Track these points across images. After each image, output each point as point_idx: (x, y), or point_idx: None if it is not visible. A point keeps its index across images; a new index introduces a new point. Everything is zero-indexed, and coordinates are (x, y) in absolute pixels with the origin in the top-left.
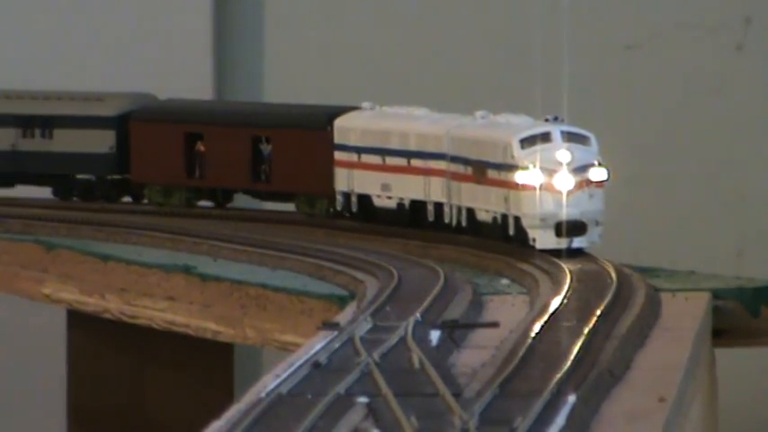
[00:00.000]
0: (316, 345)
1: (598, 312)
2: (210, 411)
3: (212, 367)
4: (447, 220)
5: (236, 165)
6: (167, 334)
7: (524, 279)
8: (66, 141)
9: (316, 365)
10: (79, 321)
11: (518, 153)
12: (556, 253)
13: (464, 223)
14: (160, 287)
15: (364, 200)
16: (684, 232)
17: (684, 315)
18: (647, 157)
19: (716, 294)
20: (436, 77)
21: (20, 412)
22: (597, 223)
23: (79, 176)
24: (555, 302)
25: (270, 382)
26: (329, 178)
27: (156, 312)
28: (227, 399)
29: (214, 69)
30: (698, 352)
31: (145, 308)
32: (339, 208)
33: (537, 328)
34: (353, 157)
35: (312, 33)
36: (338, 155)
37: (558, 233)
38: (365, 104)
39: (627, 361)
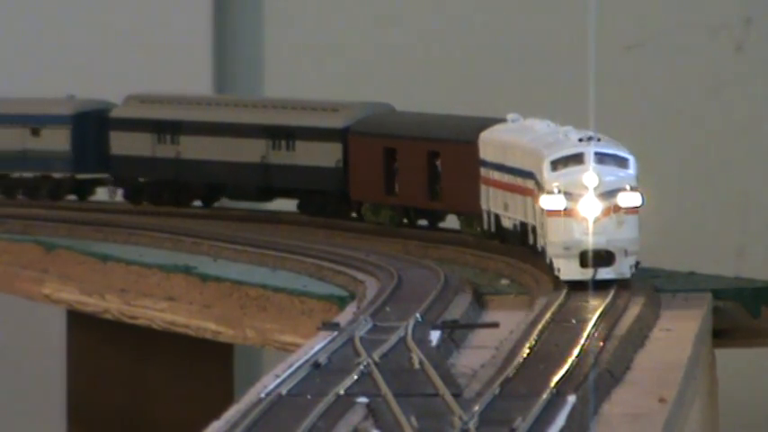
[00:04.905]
0: (316, 345)
1: (598, 313)
2: (210, 411)
3: (212, 367)
4: (540, 244)
5: (417, 182)
6: (167, 334)
7: (524, 279)
8: (305, 154)
9: (316, 366)
10: (79, 321)
11: (548, 175)
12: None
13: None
14: (160, 287)
15: (497, 219)
16: (684, 232)
17: (684, 315)
18: (647, 158)
19: (716, 295)
20: (439, 77)
21: (20, 412)
22: (627, 253)
23: (323, 190)
24: (555, 303)
25: (270, 383)
26: (478, 196)
27: (156, 312)
28: (227, 399)
29: (214, 69)
30: (698, 352)
31: (145, 308)
32: (485, 227)
33: (537, 328)
34: (489, 173)
35: (312, 32)
36: (482, 171)
37: (584, 263)
38: (510, 116)
39: (627, 361)
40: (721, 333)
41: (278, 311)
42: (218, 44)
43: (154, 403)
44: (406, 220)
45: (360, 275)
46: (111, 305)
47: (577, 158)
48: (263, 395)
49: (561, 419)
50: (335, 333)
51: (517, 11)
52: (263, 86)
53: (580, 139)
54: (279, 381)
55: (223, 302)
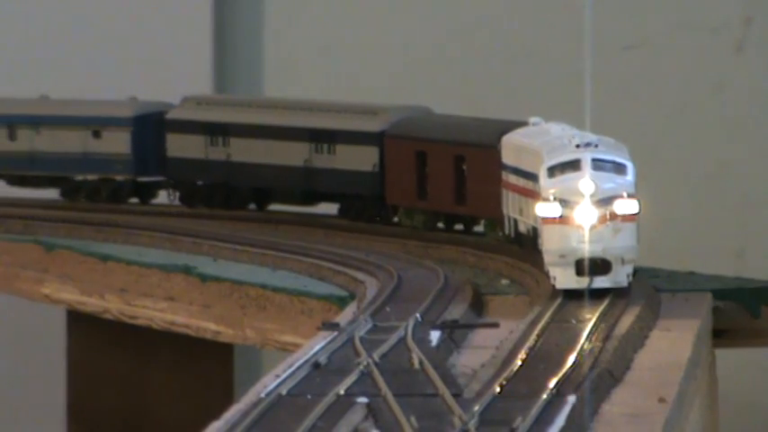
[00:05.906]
0: (316, 345)
1: (598, 313)
2: (210, 412)
3: (212, 367)
4: None
5: (445, 186)
6: (167, 334)
7: (524, 279)
8: (343, 157)
9: (316, 366)
10: (79, 321)
11: (544, 182)
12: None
13: None
14: (160, 287)
15: (515, 224)
16: (684, 232)
17: (684, 315)
18: (647, 158)
19: (716, 295)
20: (439, 78)
21: (19, 412)
22: (624, 261)
23: (361, 195)
24: (555, 303)
25: (270, 383)
26: (500, 200)
27: (156, 312)
28: (227, 399)
29: (214, 69)
30: (698, 352)
31: (145, 308)
32: (506, 231)
33: (537, 328)
34: (508, 177)
35: (313, 32)
36: (503, 175)
37: (579, 271)
38: (532, 119)
39: (627, 361)
40: (721, 333)
41: (278, 311)
42: (218, 44)
43: (154, 403)
44: (442, 225)
45: (360, 275)
46: (111, 305)
47: (574, 165)
48: (263, 395)
49: (561, 419)
50: (335, 333)
51: (520, 11)
52: (263, 86)
53: (577, 145)
54: (279, 381)
55: (223, 302)
